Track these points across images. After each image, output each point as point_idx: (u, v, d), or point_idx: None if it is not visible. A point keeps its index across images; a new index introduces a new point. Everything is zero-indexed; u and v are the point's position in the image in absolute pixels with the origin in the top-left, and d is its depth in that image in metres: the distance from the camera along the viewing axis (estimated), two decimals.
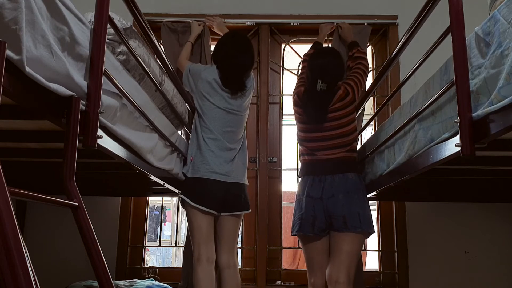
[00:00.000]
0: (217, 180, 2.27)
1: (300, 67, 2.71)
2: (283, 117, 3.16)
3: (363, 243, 2.30)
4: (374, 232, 2.20)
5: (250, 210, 2.41)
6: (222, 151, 2.32)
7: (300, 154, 2.42)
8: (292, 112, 2.46)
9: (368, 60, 3.07)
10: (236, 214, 2.34)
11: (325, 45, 2.91)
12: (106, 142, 1.38)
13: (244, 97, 2.41)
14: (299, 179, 2.37)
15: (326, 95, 2.25)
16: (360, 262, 2.67)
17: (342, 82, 2.36)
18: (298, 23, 3.11)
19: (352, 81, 2.37)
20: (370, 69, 3.20)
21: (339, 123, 2.26)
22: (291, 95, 2.50)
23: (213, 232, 2.30)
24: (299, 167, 2.44)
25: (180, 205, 2.46)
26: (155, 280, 2.69)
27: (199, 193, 2.26)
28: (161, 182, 2.10)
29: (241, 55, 2.38)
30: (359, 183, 2.24)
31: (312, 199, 2.20)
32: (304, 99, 2.33)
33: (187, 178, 2.32)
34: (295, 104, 2.39)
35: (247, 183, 2.44)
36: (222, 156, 2.32)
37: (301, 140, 2.37)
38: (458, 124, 1.24)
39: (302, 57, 2.76)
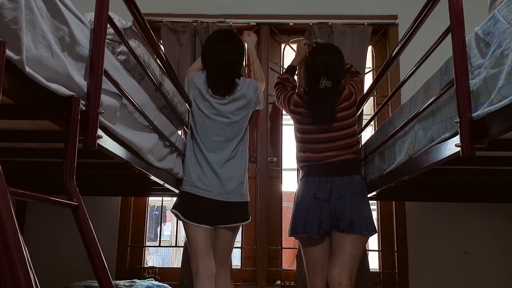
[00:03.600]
0: (201, 196, 2.17)
1: (276, 88, 2.55)
2: (283, 117, 3.15)
3: (365, 245, 2.29)
4: (376, 233, 2.21)
5: (250, 220, 2.29)
6: (208, 164, 2.20)
7: (300, 160, 2.34)
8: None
9: (368, 60, 3.09)
10: (231, 226, 2.24)
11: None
12: (106, 142, 1.38)
13: (235, 103, 2.28)
14: (303, 179, 2.31)
15: (332, 93, 2.23)
16: (366, 262, 2.67)
17: (346, 82, 2.36)
18: (298, 23, 3.11)
19: (355, 84, 2.38)
20: (370, 69, 3.22)
21: (347, 123, 2.26)
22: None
23: (210, 244, 2.21)
24: (302, 171, 2.37)
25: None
26: (155, 280, 2.69)
27: (189, 209, 2.19)
28: (161, 182, 2.09)
29: (222, 50, 2.25)
30: (364, 186, 2.25)
31: (319, 201, 2.16)
32: (308, 99, 2.28)
33: (180, 192, 2.28)
34: (296, 105, 2.32)
35: (246, 200, 2.28)
36: (207, 169, 2.20)
37: (304, 142, 2.31)
38: (458, 124, 1.24)
39: (277, 78, 2.63)
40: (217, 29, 2.54)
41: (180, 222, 2.29)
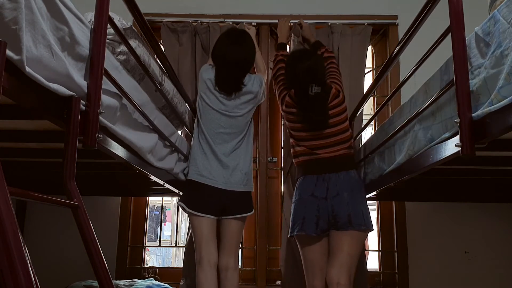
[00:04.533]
0: (206, 185, 2.23)
1: (276, 66, 2.54)
2: (283, 116, 3.15)
3: (364, 243, 2.29)
4: (373, 230, 2.21)
5: (253, 212, 2.35)
6: (213, 154, 2.27)
7: (295, 155, 2.34)
8: None
9: (368, 60, 3.09)
10: (237, 217, 2.29)
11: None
12: (106, 142, 1.38)
13: (241, 98, 2.33)
14: (300, 178, 2.31)
15: (322, 97, 2.22)
16: (364, 262, 2.67)
17: (329, 80, 2.36)
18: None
19: (337, 80, 2.40)
20: (370, 69, 3.22)
21: (339, 119, 2.26)
22: None
23: (215, 234, 2.27)
24: (298, 168, 2.36)
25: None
26: (155, 280, 2.69)
27: (194, 198, 2.24)
28: (161, 182, 2.10)
29: (233, 51, 2.25)
30: (360, 181, 2.26)
31: (316, 199, 2.17)
32: (299, 103, 2.25)
33: (185, 180, 2.33)
34: (288, 105, 2.32)
35: (250, 190, 2.34)
36: (213, 159, 2.26)
37: (298, 140, 2.31)
38: (458, 124, 1.24)
39: (276, 55, 2.61)
40: (230, 28, 2.53)
41: (180, 222, 2.31)
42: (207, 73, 2.36)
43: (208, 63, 2.49)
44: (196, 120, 2.39)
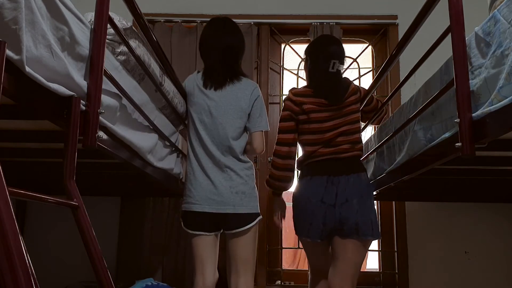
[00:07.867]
0: (194, 211, 1.99)
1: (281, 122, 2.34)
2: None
3: (367, 251, 2.23)
4: (380, 237, 2.12)
5: (255, 222, 2.03)
6: (202, 171, 2.03)
7: (306, 155, 2.17)
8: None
9: (368, 60, 3.09)
10: (237, 231, 2.00)
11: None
12: (106, 142, 1.38)
13: (231, 103, 2.08)
14: (307, 177, 2.15)
15: (341, 74, 2.16)
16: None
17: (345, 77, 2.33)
18: (298, 23, 3.11)
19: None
20: (370, 69, 3.22)
21: (354, 117, 2.17)
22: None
23: (212, 253, 2.05)
24: (306, 168, 2.19)
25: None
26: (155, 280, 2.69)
27: (188, 216, 2.03)
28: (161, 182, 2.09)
29: (220, 36, 2.10)
30: (370, 185, 2.11)
31: (324, 205, 2.04)
32: (319, 83, 2.15)
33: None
34: (306, 94, 2.16)
35: (243, 212, 1.99)
36: (203, 177, 2.02)
37: (315, 133, 2.14)
38: (458, 124, 1.24)
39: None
40: (214, 17, 2.36)
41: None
42: (191, 80, 2.16)
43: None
44: (187, 137, 2.16)
